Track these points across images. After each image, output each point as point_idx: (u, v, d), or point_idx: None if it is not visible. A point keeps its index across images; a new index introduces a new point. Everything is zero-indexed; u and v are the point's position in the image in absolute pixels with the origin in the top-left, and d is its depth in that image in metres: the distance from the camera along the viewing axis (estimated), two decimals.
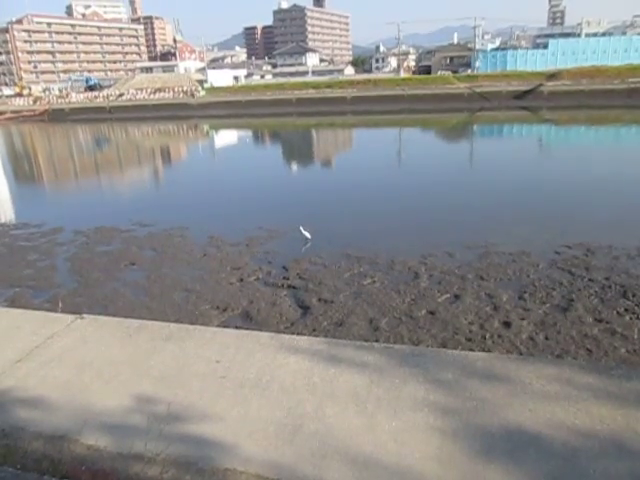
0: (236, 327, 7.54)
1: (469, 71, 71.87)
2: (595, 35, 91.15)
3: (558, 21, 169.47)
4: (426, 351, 5.40)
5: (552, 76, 58.93)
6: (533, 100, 55.57)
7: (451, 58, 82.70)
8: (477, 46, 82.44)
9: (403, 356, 5.01)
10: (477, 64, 72.72)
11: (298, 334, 7.05)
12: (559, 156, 26.85)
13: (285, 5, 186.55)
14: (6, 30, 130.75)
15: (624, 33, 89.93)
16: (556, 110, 51.16)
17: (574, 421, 3.92)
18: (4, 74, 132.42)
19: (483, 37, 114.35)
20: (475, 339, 7.23)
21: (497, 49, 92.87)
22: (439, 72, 74.93)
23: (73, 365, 5.03)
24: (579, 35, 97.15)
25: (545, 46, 75.54)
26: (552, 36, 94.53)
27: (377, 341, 6.96)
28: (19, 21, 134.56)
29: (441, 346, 6.92)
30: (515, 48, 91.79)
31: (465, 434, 3.86)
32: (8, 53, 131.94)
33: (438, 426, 3.95)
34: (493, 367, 4.70)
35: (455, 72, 71.87)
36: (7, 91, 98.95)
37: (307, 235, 12.15)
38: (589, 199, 15.85)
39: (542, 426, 3.88)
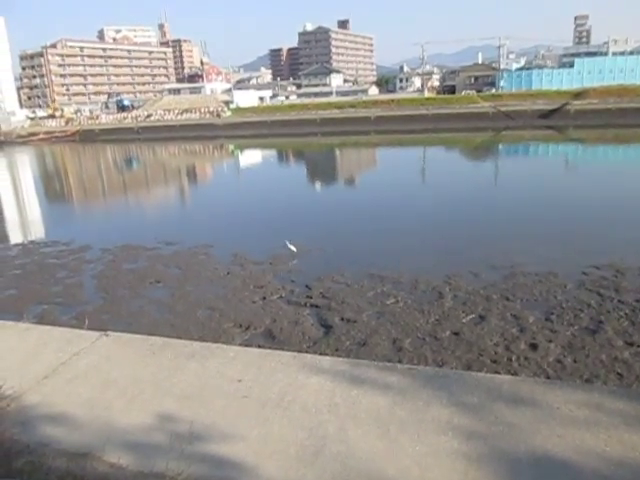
0: (258, 346, 7.55)
1: (494, 90, 71.69)
2: (622, 54, 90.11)
3: (584, 40, 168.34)
4: (450, 373, 5.30)
5: (578, 95, 58.41)
6: (559, 119, 55.08)
7: (475, 78, 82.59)
8: (502, 65, 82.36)
9: (427, 378, 4.92)
10: (502, 83, 72.51)
11: (320, 354, 7.00)
12: (587, 175, 26.47)
13: (310, 27, 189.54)
14: (41, 54, 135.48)
15: None
16: (583, 129, 50.59)
17: (604, 448, 3.78)
18: (38, 96, 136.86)
19: (508, 56, 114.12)
20: (501, 361, 7.09)
21: (522, 68, 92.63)
22: (463, 92, 74.89)
23: (97, 382, 5.07)
24: (606, 54, 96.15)
25: (571, 65, 75.02)
26: (578, 55, 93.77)
27: (400, 362, 6.88)
28: (53, 45, 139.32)
29: (466, 368, 6.80)
30: (540, 67, 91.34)
31: (491, 460, 3.76)
32: (42, 76, 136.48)
33: (463, 451, 3.86)
34: (520, 391, 4.58)
35: (479, 91, 71.76)
36: (40, 113, 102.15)
37: (293, 249, 12.45)
38: (618, 219, 15.52)
39: (571, 453, 3.76)
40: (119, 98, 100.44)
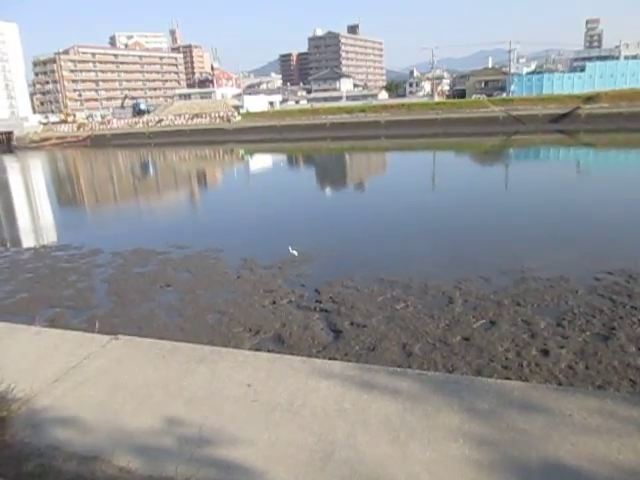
0: (268, 350, 7.54)
1: (504, 95, 71.42)
2: (634, 57, 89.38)
3: (595, 44, 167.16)
4: (461, 379, 5.27)
5: (590, 99, 58.03)
6: (570, 123, 54.76)
7: (486, 82, 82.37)
8: (512, 70, 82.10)
9: (437, 383, 4.89)
10: (512, 88, 72.22)
11: (330, 358, 6.99)
12: (598, 180, 26.26)
13: (320, 32, 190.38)
14: (54, 60, 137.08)
15: None
16: (594, 133, 50.23)
17: (618, 456, 3.73)
18: (50, 102, 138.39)
19: (518, 61, 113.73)
20: (512, 367, 7.03)
21: (533, 73, 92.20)
22: (473, 96, 74.70)
23: (107, 386, 5.09)
24: (617, 58, 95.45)
25: (582, 69, 74.59)
26: (589, 59, 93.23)
27: (410, 367, 6.84)
28: (66, 52, 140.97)
29: (476, 374, 6.76)
30: (551, 71, 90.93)
31: (502, 467, 3.72)
32: (55, 82, 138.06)
33: (473, 458, 3.82)
34: (531, 397, 4.54)
35: (490, 96, 71.51)
36: (53, 118, 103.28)
37: (295, 253, 12.68)
38: (630, 224, 15.37)
39: (583, 461, 3.71)
40: (136, 102, 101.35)
